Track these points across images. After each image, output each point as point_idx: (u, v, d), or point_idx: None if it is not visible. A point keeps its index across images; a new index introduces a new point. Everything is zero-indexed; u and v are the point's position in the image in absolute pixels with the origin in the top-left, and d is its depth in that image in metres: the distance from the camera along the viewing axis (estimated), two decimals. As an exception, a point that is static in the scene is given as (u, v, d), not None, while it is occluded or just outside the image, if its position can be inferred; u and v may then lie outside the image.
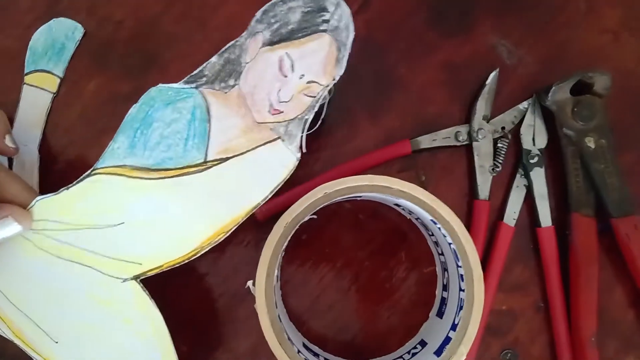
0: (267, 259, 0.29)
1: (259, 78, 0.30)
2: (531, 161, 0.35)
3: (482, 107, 0.36)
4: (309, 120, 0.30)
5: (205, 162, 0.30)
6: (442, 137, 0.36)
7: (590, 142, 0.34)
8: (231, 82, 0.31)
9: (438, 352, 0.30)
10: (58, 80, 0.37)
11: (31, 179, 0.35)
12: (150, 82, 0.37)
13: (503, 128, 0.36)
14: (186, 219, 0.30)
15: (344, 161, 0.36)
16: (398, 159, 0.36)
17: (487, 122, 0.36)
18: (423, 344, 0.33)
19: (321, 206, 0.30)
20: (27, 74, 0.37)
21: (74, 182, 0.30)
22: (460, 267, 0.30)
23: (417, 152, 0.36)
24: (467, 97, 0.37)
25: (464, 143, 0.36)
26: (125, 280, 0.30)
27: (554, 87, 0.34)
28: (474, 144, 0.36)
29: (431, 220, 0.30)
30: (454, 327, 0.30)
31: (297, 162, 0.30)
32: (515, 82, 0.37)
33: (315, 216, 0.34)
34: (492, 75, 0.36)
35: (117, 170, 0.30)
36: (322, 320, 0.35)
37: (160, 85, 0.31)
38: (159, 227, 0.30)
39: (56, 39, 0.37)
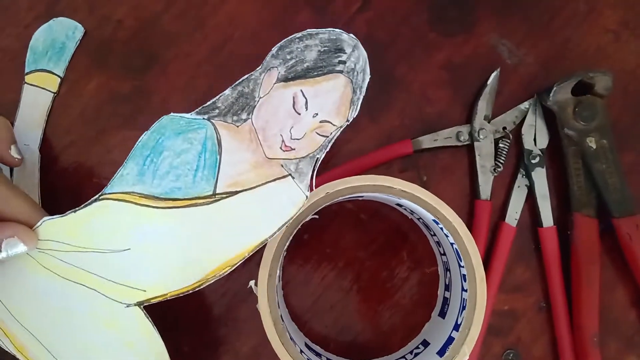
0: (269, 259, 0.29)
1: (272, 114, 0.30)
2: (532, 161, 0.35)
3: (483, 107, 0.36)
4: (320, 160, 0.30)
5: (214, 194, 0.29)
6: (443, 137, 0.36)
7: (592, 142, 0.34)
8: (244, 115, 0.30)
9: (441, 352, 0.30)
10: (58, 80, 0.37)
11: (32, 179, 0.35)
12: (150, 82, 0.37)
13: (504, 128, 0.36)
14: (192, 250, 0.30)
15: (345, 161, 0.36)
16: (399, 159, 0.36)
17: (489, 122, 0.36)
18: (425, 344, 0.33)
19: (323, 206, 0.30)
20: (27, 74, 0.36)
21: (82, 206, 0.30)
22: (463, 267, 0.30)
23: (419, 152, 0.36)
24: (468, 97, 0.37)
25: (466, 143, 0.36)
26: (128, 305, 0.30)
27: (555, 88, 0.34)
28: (476, 144, 0.36)
29: (433, 220, 0.30)
30: (456, 327, 0.30)
31: (306, 199, 0.29)
32: (516, 82, 0.37)
33: (317, 216, 0.34)
34: (493, 75, 0.36)
35: (125, 197, 0.30)
36: (324, 320, 0.35)
37: (172, 114, 0.30)
38: (165, 256, 0.30)
39: (56, 39, 0.37)
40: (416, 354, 0.33)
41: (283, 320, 0.29)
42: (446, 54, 0.37)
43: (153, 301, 0.30)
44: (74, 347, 0.30)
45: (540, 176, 0.35)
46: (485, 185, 0.35)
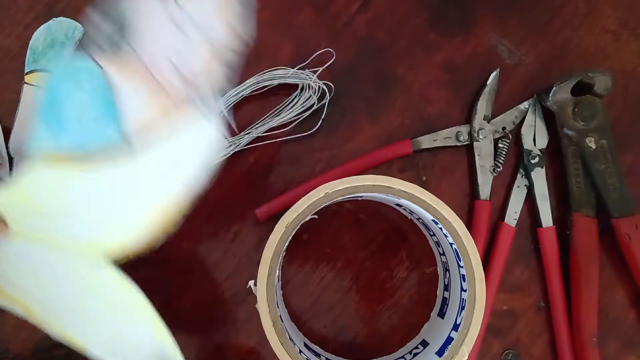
0: (269, 258, 0.29)
1: (151, 36, 0.27)
2: (532, 161, 0.35)
3: (482, 107, 0.36)
4: (231, 95, 0.28)
5: (126, 142, 0.29)
6: (443, 137, 0.36)
7: (591, 142, 0.34)
8: (126, 47, 0.28)
9: (440, 352, 0.30)
10: None
11: None
12: (150, 82, 0.37)
13: (504, 128, 0.36)
14: (126, 204, 0.30)
15: (345, 161, 0.36)
16: (399, 159, 0.36)
17: (488, 122, 0.36)
18: (425, 344, 0.33)
19: (322, 206, 0.30)
20: (27, 74, 0.36)
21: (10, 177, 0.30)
22: (462, 267, 0.30)
23: (418, 152, 0.36)
24: (467, 97, 0.37)
25: (465, 143, 0.36)
26: (101, 266, 0.30)
27: (554, 88, 0.34)
28: (475, 144, 0.36)
29: (432, 220, 0.30)
30: (455, 327, 0.30)
31: (224, 139, 0.28)
32: (515, 82, 0.37)
33: (316, 216, 0.34)
34: (492, 75, 0.36)
35: (46, 161, 0.29)
36: (323, 320, 0.35)
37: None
38: (106, 212, 0.30)
39: (56, 39, 0.37)
40: (415, 354, 0.33)
41: (282, 320, 0.29)
42: (446, 54, 0.37)
43: (125, 259, 0.30)
44: (67, 309, 0.31)
45: (539, 176, 0.35)
46: (485, 185, 0.35)
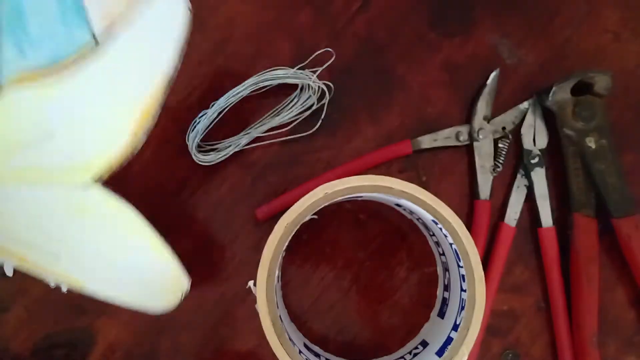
0: (268, 259, 0.29)
1: None
2: (532, 161, 0.35)
3: (482, 107, 0.36)
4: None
5: (95, 41, 0.28)
6: (442, 137, 0.36)
7: (591, 142, 0.34)
8: None
9: (440, 353, 0.30)
10: None
11: None
12: (150, 82, 0.37)
13: (504, 128, 0.36)
14: (106, 108, 0.29)
15: (345, 161, 0.36)
16: (399, 159, 0.36)
17: (488, 122, 0.36)
18: (424, 344, 0.33)
19: (322, 206, 0.30)
20: None
21: None
22: (462, 267, 0.30)
23: (418, 152, 0.36)
24: (467, 97, 0.37)
25: (465, 143, 0.36)
26: (86, 187, 0.29)
27: (554, 87, 0.34)
28: (475, 144, 0.36)
29: (432, 220, 0.30)
30: (455, 327, 0.30)
31: (189, 10, 0.27)
32: (515, 82, 0.37)
33: (316, 216, 0.34)
34: (492, 75, 0.36)
35: (18, 83, 0.28)
36: (323, 321, 0.35)
37: None
38: (86, 125, 0.29)
39: None
40: (415, 354, 0.33)
41: (282, 321, 0.29)
42: (446, 54, 0.37)
43: (107, 174, 0.29)
44: (61, 246, 0.30)
45: (539, 176, 0.35)
46: (485, 185, 0.35)
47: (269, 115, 0.36)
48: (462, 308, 0.29)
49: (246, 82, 0.36)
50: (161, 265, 0.30)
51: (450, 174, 0.36)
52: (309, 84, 0.35)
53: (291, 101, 0.36)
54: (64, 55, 0.28)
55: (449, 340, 0.30)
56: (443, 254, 0.34)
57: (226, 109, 0.36)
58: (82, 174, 0.29)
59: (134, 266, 0.30)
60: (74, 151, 0.29)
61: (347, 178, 0.29)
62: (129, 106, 0.28)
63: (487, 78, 0.36)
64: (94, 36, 0.28)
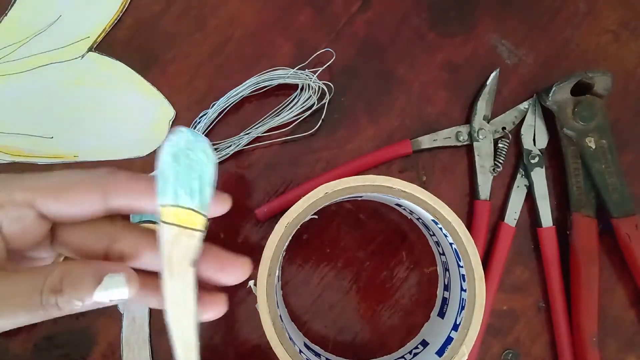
0: (269, 258, 0.29)
1: None
2: (532, 161, 0.35)
3: (482, 107, 0.36)
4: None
5: None
6: (442, 137, 0.36)
7: (591, 142, 0.34)
8: None
9: (440, 352, 0.30)
10: None
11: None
12: (150, 82, 0.37)
13: (504, 128, 0.36)
14: None
15: (345, 161, 0.36)
16: (399, 159, 0.36)
17: (488, 122, 0.36)
18: (424, 344, 0.33)
19: (322, 206, 0.30)
20: None
21: (9, 7, 0.36)
22: (462, 267, 0.30)
23: (418, 152, 0.36)
24: (467, 97, 0.37)
25: (465, 143, 0.36)
26: (82, 55, 0.35)
27: (554, 88, 0.34)
28: (475, 144, 0.36)
29: (432, 220, 0.30)
30: (455, 327, 0.30)
31: None
32: (515, 82, 0.37)
33: (316, 216, 0.34)
34: (492, 75, 0.36)
35: None
36: (323, 320, 0.35)
37: None
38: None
39: None
40: (415, 354, 0.33)
41: (282, 320, 0.29)
42: (446, 54, 0.37)
43: (99, 39, 0.36)
44: (62, 118, 0.35)
45: (539, 176, 0.35)
46: (485, 185, 0.35)
47: (269, 115, 0.36)
48: (462, 308, 0.29)
49: (246, 82, 0.36)
50: (149, 101, 0.36)
51: (450, 174, 0.36)
52: (309, 84, 0.35)
53: (291, 101, 0.36)
54: None
55: (449, 340, 0.30)
56: (443, 253, 0.34)
57: (226, 109, 0.36)
58: (83, 45, 0.35)
59: (126, 116, 0.36)
60: (78, 27, 0.35)
61: (347, 178, 0.29)
62: None
63: (487, 78, 0.36)
64: None
